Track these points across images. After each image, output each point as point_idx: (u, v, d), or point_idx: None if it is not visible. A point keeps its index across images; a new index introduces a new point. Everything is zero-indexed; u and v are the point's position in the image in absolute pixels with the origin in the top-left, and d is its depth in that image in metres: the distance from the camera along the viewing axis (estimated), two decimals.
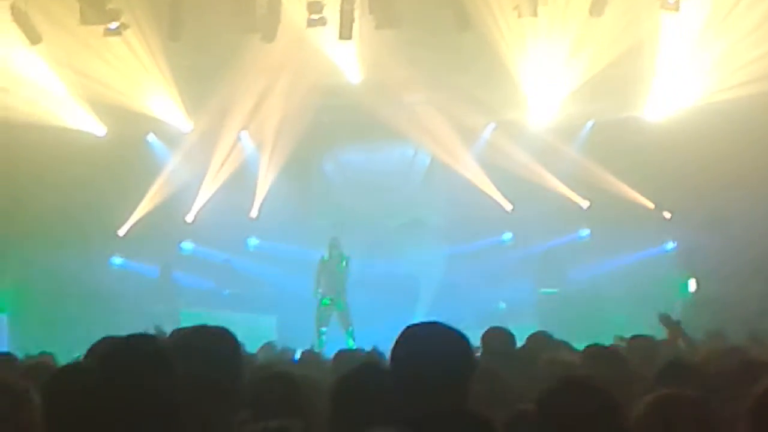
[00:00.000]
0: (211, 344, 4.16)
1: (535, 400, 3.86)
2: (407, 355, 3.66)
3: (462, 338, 3.68)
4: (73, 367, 4.66)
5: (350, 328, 17.58)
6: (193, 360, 4.04)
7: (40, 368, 6.70)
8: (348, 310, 17.73)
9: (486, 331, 7.29)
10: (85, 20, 16.53)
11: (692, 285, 18.27)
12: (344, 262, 17.84)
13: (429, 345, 3.65)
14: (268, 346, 11.99)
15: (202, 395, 3.95)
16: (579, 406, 3.74)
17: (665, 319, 8.91)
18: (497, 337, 7.20)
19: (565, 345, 7.97)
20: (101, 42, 17.27)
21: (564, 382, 3.94)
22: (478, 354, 6.85)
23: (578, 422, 3.71)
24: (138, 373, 3.39)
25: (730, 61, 17.25)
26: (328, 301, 17.74)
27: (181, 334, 4.25)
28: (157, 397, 3.33)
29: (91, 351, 6.01)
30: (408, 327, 3.75)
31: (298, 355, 10.66)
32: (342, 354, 8.19)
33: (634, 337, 8.05)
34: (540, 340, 7.87)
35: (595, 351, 6.53)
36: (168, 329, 8.71)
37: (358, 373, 4.29)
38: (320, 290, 17.82)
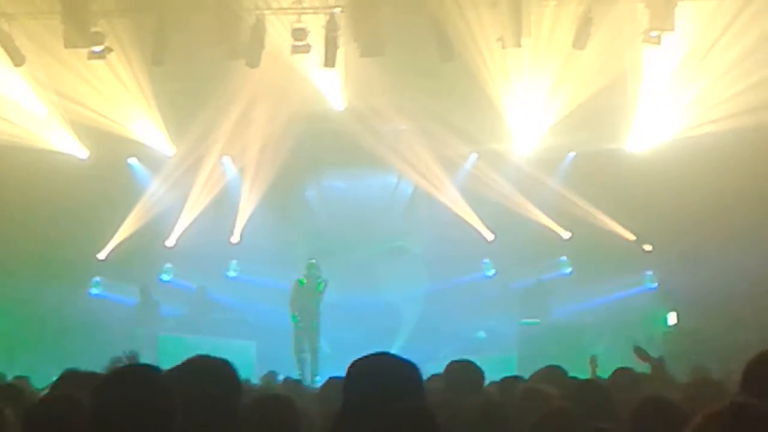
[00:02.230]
0: (211, 375, 4.17)
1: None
2: (358, 385, 3.66)
3: (412, 367, 3.70)
4: (58, 396, 4.64)
5: (317, 353, 17.61)
6: (194, 390, 4.04)
7: (16, 390, 6.68)
8: (317, 334, 17.71)
9: (450, 363, 7.17)
10: (69, 43, 16.53)
11: (672, 318, 18.30)
12: (321, 286, 17.81)
13: (380, 374, 3.65)
14: (270, 375, 12.03)
15: (202, 424, 3.94)
16: None
17: (639, 352, 8.91)
18: (463, 369, 7.09)
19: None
20: (85, 65, 17.27)
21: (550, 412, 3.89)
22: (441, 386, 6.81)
23: None
24: (134, 403, 3.35)
25: (711, 95, 17.38)
26: (300, 324, 17.70)
27: (182, 364, 4.25)
28: (154, 428, 3.31)
29: (60, 380, 5.98)
30: (357, 359, 3.76)
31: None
32: (331, 382, 8.13)
33: (617, 370, 8.04)
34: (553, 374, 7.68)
35: (576, 383, 6.51)
36: (147, 353, 8.74)
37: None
38: (296, 313, 17.80)
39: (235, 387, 4.19)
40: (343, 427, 3.66)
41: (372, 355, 3.82)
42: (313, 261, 18.04)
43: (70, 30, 16.39)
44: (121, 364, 7.57)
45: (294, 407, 4.94)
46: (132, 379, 3.47)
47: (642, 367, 9.04)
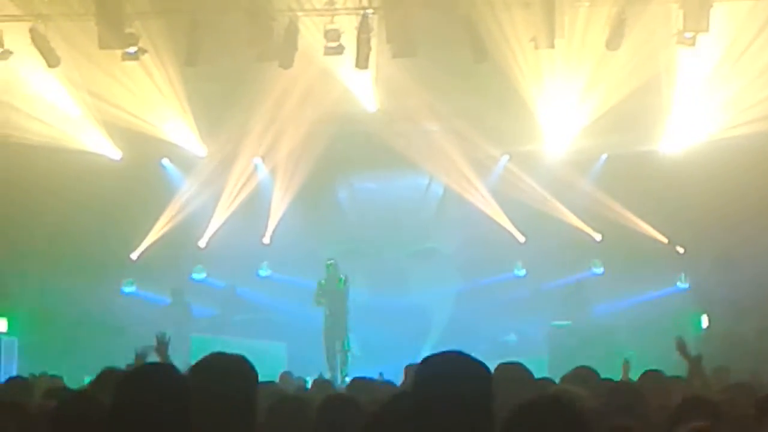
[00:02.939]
0: (229, 371, 4.18)
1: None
2: (430, 383, 3.67)
3: (482, 366, 3.70)
4: (84, 395, 4.68)
5: (346, 354, 17.61)
6: (211, 386, 4.07)
7: (56, 391, 6.74)
8: (346, 334, 17.71)
9: (499, 366, 7.16)
10: (103, 44, 16.63)
11: (705, 321, 18.17)
12: (341, 283, 17.80)
13: (452, 373, 3.66)
14: (286, 375, 12.05)
15: (219, 421, 3.97)
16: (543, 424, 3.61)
17: (681, 347, 8.77)
18: (513, 371, 7.06)
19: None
20: (119, 66, 17.39)
21: (531, 400, 3.84)
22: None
23: None
24: (152, 401, 3.38)
25: (745, 97, 17.27)
26: (329, 324, 17.70)
27: (199, 361, 4.28)
28: (172, 425, 3.32)
29: (97, 379, 6.04)
30: (430, 355, 3.78)
31: (309, 384, 10.66)
32: (357, 382, 8.14)
33: (646, 372, 7.98)
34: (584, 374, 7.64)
35: (609, 385, 6.47)
36: (179, 354, 8.78)
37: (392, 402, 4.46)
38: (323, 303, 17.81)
39: (252, 384, 4.20)
40: (414, 424, 3.68)
41: (444, 353, 3.84)
42: (332, 261, 18.02)
43: (105, 31, 16.49)
44: (144, 360, 7.65)
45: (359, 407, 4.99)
46: (148, 378, 3.49)
47: (675, 368, 8.96)
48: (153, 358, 8.04)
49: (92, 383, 6.04)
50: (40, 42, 16.66)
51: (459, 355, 3.75)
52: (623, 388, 6.31)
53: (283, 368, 14.81)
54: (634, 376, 9.38)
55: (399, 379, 9.29)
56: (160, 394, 3.41)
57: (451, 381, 3.62)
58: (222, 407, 4.02)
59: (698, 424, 4.17)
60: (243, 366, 4.22)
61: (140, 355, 8.42)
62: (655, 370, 8.00)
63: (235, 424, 4.04)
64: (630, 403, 5.70)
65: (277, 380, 11.14)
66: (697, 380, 8.27)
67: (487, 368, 3.72)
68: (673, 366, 9.07)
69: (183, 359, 8.79)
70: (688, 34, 16.12)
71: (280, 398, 5.59)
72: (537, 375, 7.79)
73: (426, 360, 3.75)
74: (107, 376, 5.97)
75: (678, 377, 8.53)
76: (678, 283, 19.38)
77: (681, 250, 19.23)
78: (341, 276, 17.86)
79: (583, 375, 7.17)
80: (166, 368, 3.58)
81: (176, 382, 3.48)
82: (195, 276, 20.30)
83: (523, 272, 20.09)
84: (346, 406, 5.23)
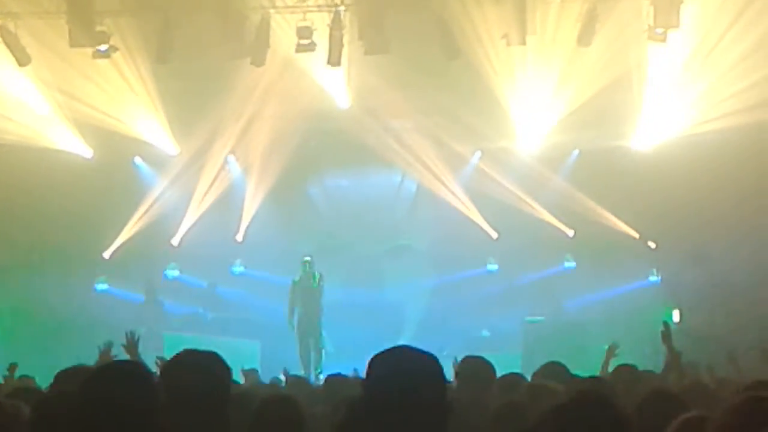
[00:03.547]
0: (201, 367, 4.17)
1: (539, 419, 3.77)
2: (378, 380, 3.65)
3: (433, 359, 3.69)
4: (59, 393, 4.66)
5: (320, 351, 17.62)
6: (183, 383, 4.06)
7: (26, 390, 6.69)
8: (320, 331, 17.70)
9: (462, 359, 7.20)
10: (74, 42, 16.56)
11: (676, 316, 18.28)
12: (316, 280, 17.78)
13: (401, 367, 3.64)
14: (252, 373, 11.99)
15: (192, 418, 3.96)
16: (593, 423, 3.63)
17: (667, 337, 8.79)
18: (475, 365, 7.10)
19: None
20: (90, 64, 17.30)
21: (578, 397, 3.84)
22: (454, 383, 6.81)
23: None
24: (119, 397, 3.36)
25: (716, 92, 17.36)
26: (302, 324, 17.68)
27: (171, 357, 4.27)
28: (140, 421, 3.31)
29: (58, 377, 6.00)
30: (379, 352, 3.75)
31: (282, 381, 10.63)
32: (332, 379, 8.14)
33: (618, 366, 8.03)
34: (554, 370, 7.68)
35: (581, 380, 6.51)
36: (152, 352, 8.75)
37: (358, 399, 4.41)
38: (295, 317, 17.77)
39: (226, 380, 4.19)
40: (363, 421, 3.66)
41: (393, 348, 3.82)
42: (308, 258, 17.99)
43: (75, 29, 16.42)
44: (108, 357, 7.59)
45: (298, 407, 4.96)
46: (111, 374, 3.46)
47: (647, 363, 9.01)
48: (122, 356, 8.00)
49: (55, 382, 5.99)
50: (10, 40, 16.56)
51: (408, 349, 3.75)
52: (595, 383, 6.34)
53: (257, 366, 14.78)
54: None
55: None
56: (124, 390, 3.39)
57: (401, 377, 3.61)
58: (195, 403, 4.01)
59: (693, 414, 4.17)
60: (216, 362, 4.21)
61: (104, 353, 8.37)
62: (628, 365, 8.06)
63: (209, 420, 4.03)
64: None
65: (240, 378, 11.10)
66: (672, 373, 8.33)
67: (437, 361, 3.70)
68: (646, 360, 9.13)
69: (156, 357, 8.77)
70: (659, 30, 16.20)
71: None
72: (510, 370, 7.85)
73: (375, 357, 3.74)
74: (71, 374, 5.91)
75: (650, 371, 8.59)
76: (650, 278, 19.50)
77: (653, 245, 19.34)
78: (316, 273, 17.84)
79: (554, 370, 7.22)
80: (131, 365, 3.56)
81: (142, 378, 3.46)
82: (168, 273, 20.24)
83: (495, 267, 20.16)
84: (285, 406, 5.18)
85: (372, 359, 3.69)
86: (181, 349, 4.32)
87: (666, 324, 8.94)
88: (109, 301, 19.64)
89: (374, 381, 3.64)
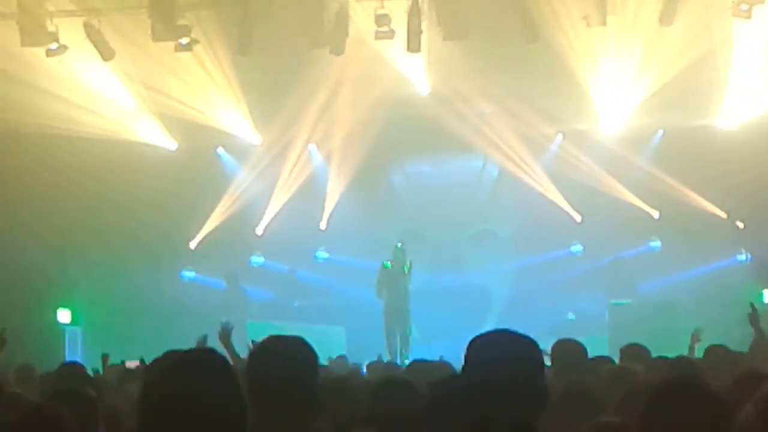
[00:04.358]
0: (287, 352, 4.16)
1: (618, 410, 3.76)
2: (479, 361, 3.66)
3: (532, 343, 3.69)
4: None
5: (407, 337, 17.62)
6: (271, 368, 4.07)
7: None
8: (407, 318, 17.72)
9: (556, 343, 7.17)
10: (156, 36, 16.79)
11: (766, 296, 17.95)
12: (407, 268, 17.80)
13: (500, 351, 3.65)
14: (340, 358, 12.08)
15: (279, 403, 3.97)
16: (689, 411, 3.56)
17: (754, 318, 8.65)
18: (568, 348, 7.06)
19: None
20: (172, 57, 17.53)
21: (672, 383, 3.80)
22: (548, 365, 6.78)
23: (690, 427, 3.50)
24: (192, 383, 3.36)
25: None
26: (390, 308, 17.70)
27: (257, 344, 4.29)
28: (215, 408, 3.32)
29: (153, 365, 6.09)
30: (478, 335, 3.77)
31: (364, 369, 10.68)
32: (415, 364, 8.17)
33: (710, 348, 7.91)
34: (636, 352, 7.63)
35: (666, 361, 6.43)
36: (235, 340, 8.88)
37: (445, 383, 4.51)
38: (383, 295, 17.83)
39: (313, 366, 4.16)
40: (462, 401, 3.68)
41: (492, 331, 3.83)
42: (400, 245, 18.05)
43: (157, 24, 16.64)
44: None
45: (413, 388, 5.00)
46: (189, 363, 3.46)
47: (736, 344, 8.86)
48: (215, 345, 8.14)
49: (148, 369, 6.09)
50: (94, 36, 16.85)
51: (508, 333, 3.74)
52: (680, 364, 6.25)
53: (342, 353, 14.87)
54: (699, 352, 9.30)
55: (460, 361, 9.28)
56: (202, 377, 3.37)
57: (500, 359, 3.61)
58: (281, 390, 4.00)
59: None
60: (302, 348, 4.18)
61: (200, 343, 8.54)
62: (719, 345, 7.93)
63: (296, 407, 4.02)
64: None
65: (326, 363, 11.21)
66: (761, 354, 8.19)
67: (536, 344, 3.70)
68: (734, 342, 8.98)
69: (240, 345, 8.89)
70: (744, 6, 15.87)
71: (328, 381, 5.58)
72: (597, 353, 7.79)
73: (474, 340, 3.74)
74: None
75: (740, 353, 8.45)
76: (738, 258, 19.17)
77: (741, 225, 18.99)
78: (407, 260, 17.87)
79: (637, 352, 7.17)
80: (207, 352, 3.54)
81: (218, 365, 3.44)
82: (254, 260, 20.47)
83: (579, 248, 20.00)
84: (402, 388, 5.21)
85: (471, 342, 3.72)
86: (264, 336, 4.33)
87: (753, 306, 8.80)
88: (195, 290, 19.93)
89: (473, 363, 3.66)
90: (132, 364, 7.77)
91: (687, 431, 3.51)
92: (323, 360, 9.88)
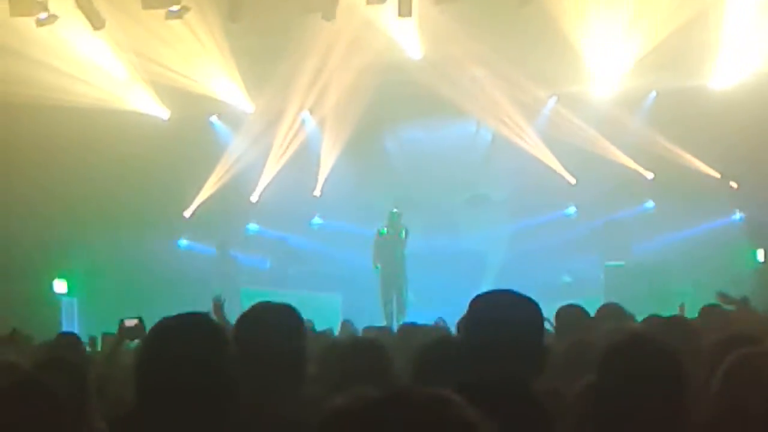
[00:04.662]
0: (276, 318, 4.18)
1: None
2: (480, 321, 3.69)
3: (532, 303, 3.72)
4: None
5: (404, 303, 17.69)
6: (258, 334, 4.08)
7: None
8: (404, 283, 17.77)
9: (560, 308, 7.21)
10: (146, 4, 16.71)
11: (760, 255, 18.01)
12: (403, 234, 17.83)
13: (501, 311, 3.68)
14: (346, 324, 12.14)
15: (267, 370, 3.98)
16: (641, 363, 3.67)
17: (725, 299, 8.79)
18: (572, 313, 7.12)
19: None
20: (163, 25, 17.45)
21: (629, 337, 3.89)
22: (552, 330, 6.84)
23: (640, 380, 3.63)
24: (187, 348, 3.38)
25: None
26: (385, 274, 17.77)
27: (245, 311, 4.30)
28: (210, 373, 3.33)
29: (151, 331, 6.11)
30: (480, 294, 3.79)
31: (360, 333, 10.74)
32: (406, 327, 8.21)
33: (704, 308, 7.96)
34: (612, 310, 7.76)
35: (662, 321, 6.47)
36: (228, 307, 8.95)
37: (438, 344, 4.53)
38: (379, 264, 17.89)
39: (299, 332, 4.15)
40: (463, 361, 3.71)
41: (493, 291, 3.85)
42: (396, 210, 18.08)
43: None
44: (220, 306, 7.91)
45: (382, 348, 4.98)
46: (181, 329, 3.47)
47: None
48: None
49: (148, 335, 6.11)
50: (84, 5, 16.77)
51: (510, 293, 3.76)
52: (675, 322, 6.29)
53: (339, 319, 14.90)
54: (691, 314, 9.36)
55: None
56: (189, 341, 3.39)
57: (502, 319, 3.64)
58: (269, 356, 4.01)
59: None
60: (289, 314, 4.20)
61: (216, 302, 8.70)
62: (713, 305, 7.98)
63: (284, 373, 4.03)
64: (684, 338, 5.67)
65: (337, 330, 11.29)
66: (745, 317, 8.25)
67: (537, 305, 3.72)
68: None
69: (235, 312, 8.93)
70: None
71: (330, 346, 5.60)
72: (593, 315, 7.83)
73: (476, 299, 3.76)
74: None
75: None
76: (732, 217, 19.22)
77: (734, 185, 19.01)
78: (404, 226, 17.90)
79: (611, 311, 7.30)
80: (196, 317, 3.54)
81: (208, 330, 3.45)
82: (250, 228, 20.50)
83: (573, 210, 20.04)
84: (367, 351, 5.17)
85: (473, 301, 3.74)
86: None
87: (721, 294, 8.92)
88: (191, 258, 19.94)
89: (475, 322, 3.69)
90: (131, 322, 7.77)
91: (637, 383, 3.61)
92: (319, 326, 9.96)
